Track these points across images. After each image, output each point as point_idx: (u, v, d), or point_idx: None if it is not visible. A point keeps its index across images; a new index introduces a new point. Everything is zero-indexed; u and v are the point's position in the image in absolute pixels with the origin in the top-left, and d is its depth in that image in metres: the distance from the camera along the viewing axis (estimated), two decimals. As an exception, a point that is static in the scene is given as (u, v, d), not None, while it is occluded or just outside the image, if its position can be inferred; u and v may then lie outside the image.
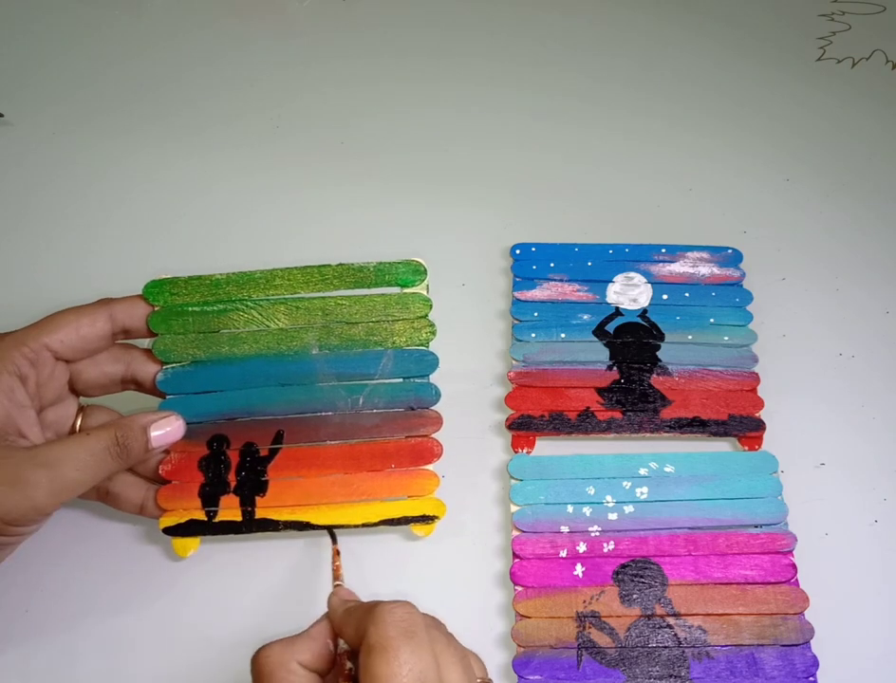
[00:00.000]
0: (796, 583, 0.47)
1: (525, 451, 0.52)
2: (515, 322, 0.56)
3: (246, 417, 0.50)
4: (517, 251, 0.59)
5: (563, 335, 0.55)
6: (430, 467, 0.50)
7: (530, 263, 0.58)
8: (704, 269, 0.58)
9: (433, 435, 0.50)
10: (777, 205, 0.64)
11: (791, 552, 0.48)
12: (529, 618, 0.46)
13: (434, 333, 0.51)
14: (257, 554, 0.50)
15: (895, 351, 0.57)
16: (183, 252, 0.62)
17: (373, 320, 0.52)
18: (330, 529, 0.47)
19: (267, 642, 0.36)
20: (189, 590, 0.49)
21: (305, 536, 0.49)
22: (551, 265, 0.58)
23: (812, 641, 0.45)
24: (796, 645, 0.45)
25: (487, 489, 0.52)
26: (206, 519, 0.48)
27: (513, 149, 0.67)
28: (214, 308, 0.51)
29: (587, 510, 0.49)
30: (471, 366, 0.56)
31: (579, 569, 0.47)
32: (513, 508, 0.49)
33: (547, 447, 0.52)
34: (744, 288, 0.57)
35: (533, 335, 0.55)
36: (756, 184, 0.65)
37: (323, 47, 0.74)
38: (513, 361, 0.55)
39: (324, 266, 0.52)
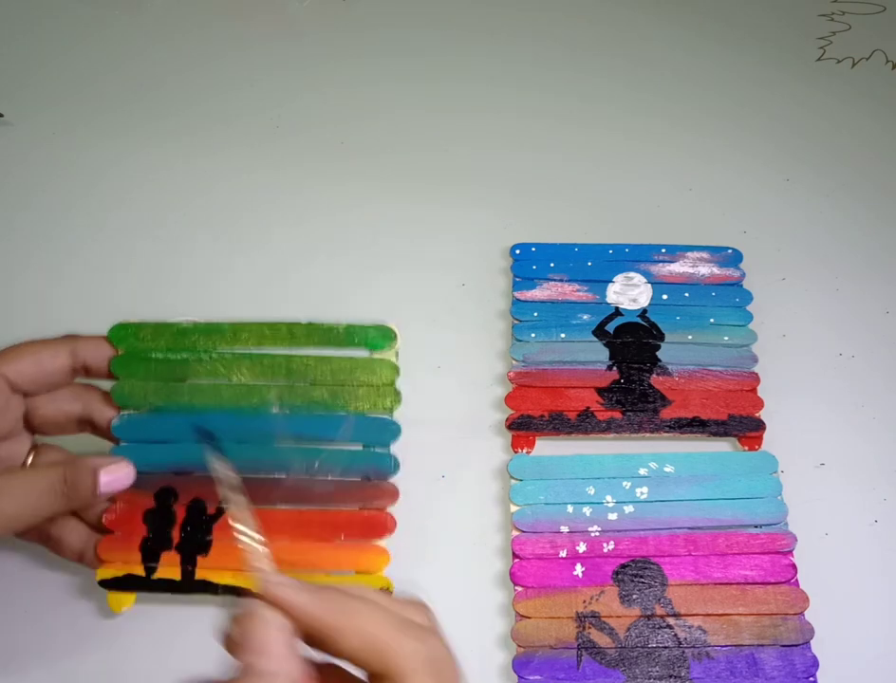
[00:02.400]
0: (796, 584, 0.47)
1: (525, 451, 0.52)
2: (515, 322, 0.56)
3: (198, 472, 0.48)
4: (517, 251, 0.59)
5: (563, 335, 0.55)
6: (381, 542, 0.47)
7: (530, 263, 0.58)
8: (704, 269, 0.58)
9: (388, 509, 0.48)
10: (777, 205, 0.64)
11: (790, 552, 0.48)
12: (529, 618, 0.46)
13: (399, 401, 0.49)
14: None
15: (895, 351, 0.57)
16: (184, 251, 0.62)
17: (338, 382, 0.49)
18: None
19: None
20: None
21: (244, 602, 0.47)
22: (551, 265, 0.58)
23: (811, 641, 0.45)
24: (796, 645, 0.45)
25: (487, 489, 0.52)
26: (144, 575, 0.46)
27: (513, 149, 0.67)
28: (178, 357, 0.50)
29: (586, 510, 0.49)
30: (471, 366, 0.56)
31: (579, 569, 0.47)
32: (513, 508, 0.49)
33: (547, 447, 0.52)
34: (744, 288, 0.57)
35: (533, 335, 0.55)
36: (756, 184, 0.65)
37: (323, 47, 0.74)
38: (513, 361, 0.55)
39: (293, 323, 0.50)
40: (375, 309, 0.58)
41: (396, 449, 0.50)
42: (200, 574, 0.46)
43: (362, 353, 0.50)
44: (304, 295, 0.59)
